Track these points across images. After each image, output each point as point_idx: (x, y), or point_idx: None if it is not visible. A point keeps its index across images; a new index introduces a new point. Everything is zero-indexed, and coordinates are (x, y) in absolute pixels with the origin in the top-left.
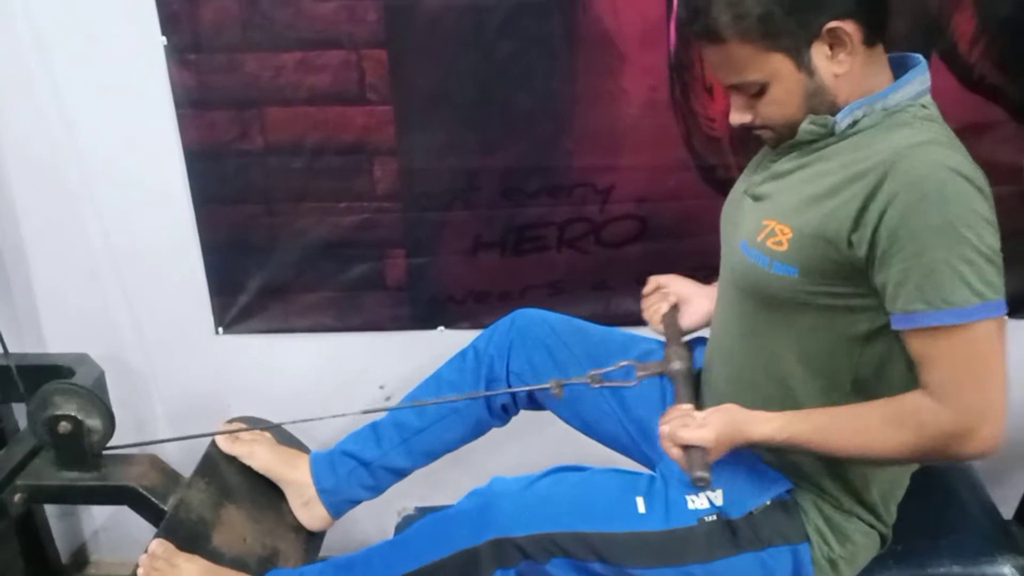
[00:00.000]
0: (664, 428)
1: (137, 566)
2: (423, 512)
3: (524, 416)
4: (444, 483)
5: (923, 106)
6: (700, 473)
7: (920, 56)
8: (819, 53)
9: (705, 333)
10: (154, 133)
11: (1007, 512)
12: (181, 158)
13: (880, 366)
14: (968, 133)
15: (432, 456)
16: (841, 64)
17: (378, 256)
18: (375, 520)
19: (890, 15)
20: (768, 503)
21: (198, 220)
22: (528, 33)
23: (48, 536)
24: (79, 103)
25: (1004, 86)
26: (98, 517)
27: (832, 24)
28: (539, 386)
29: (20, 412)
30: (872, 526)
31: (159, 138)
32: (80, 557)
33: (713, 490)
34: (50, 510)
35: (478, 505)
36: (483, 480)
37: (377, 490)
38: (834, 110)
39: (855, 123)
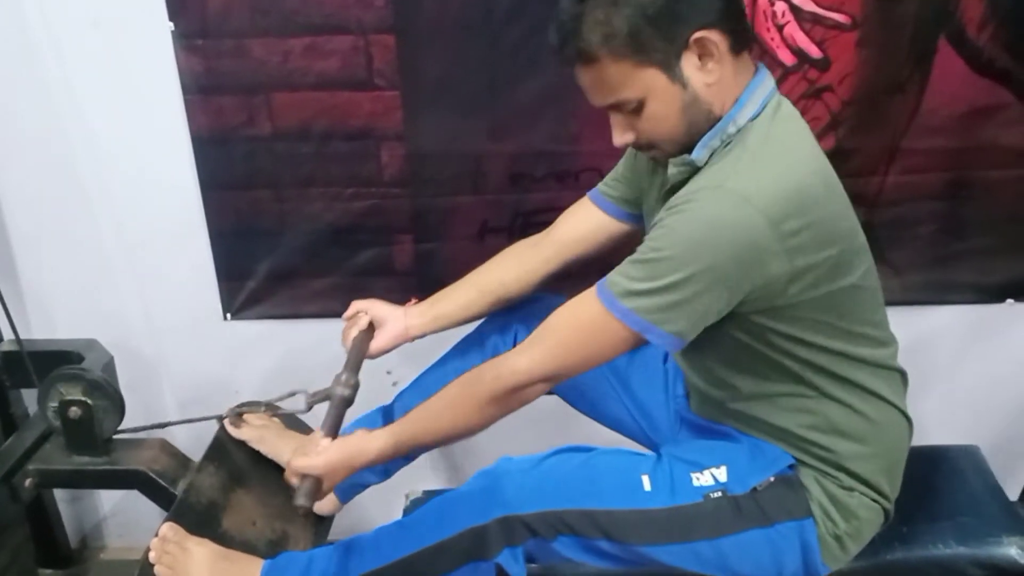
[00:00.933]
0: (288, 458)
1: (148, 550)
2: (431, 495)
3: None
4: (451, 467)
5: (765, 119)
6: (300, 501)
7: (753, 61)
8: (689, 64)
9: None
10: (162, 119)
11: (1013, 493)
12: (189, 144)
13: (787, 337)
14: (976, 116)
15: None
16: (711, 73)
17: (386, 241)
18: (383, 505)
19: (750, 24)
20: (772, 479)
21: (206, 206)
22: (536, 18)
23: (58, 521)
24: (87, 89)
25: (1012, 69)
26: (107, 502)
27: (698, 34)
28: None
29: (29, 398)
30: (875, 500)
31: (167, 124)
32: (89, 542)
33: (717, 467)
34: (59, 495)
35: (486, 484)
36: (491, 463)
37: (385, 474)
38: (711, 119)
39: (712, 154)
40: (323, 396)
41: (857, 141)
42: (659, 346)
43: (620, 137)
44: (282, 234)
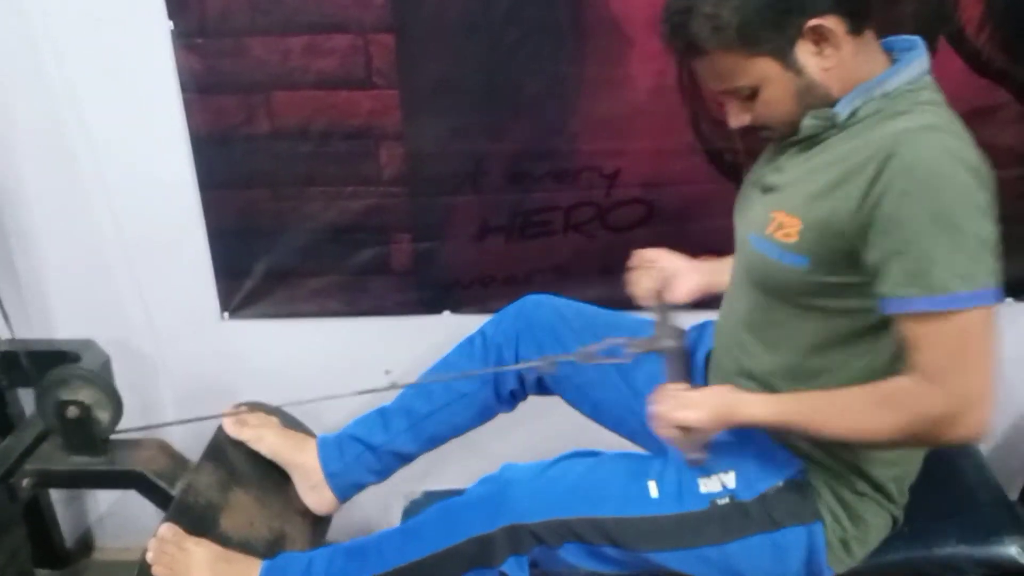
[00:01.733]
0: (657, 408)
1: (146, 550)
2: (431, 497)
3: (531, 401)
4: (451, 468)
5: (922, 89)
6: (695, 455)
7: (917, 39)
8: (804, 51)
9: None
10: (160, 117)
11: (1013, 493)
12: (187, 142)
13: (893, 358)
14: (975, 116)
15: (439, 441)
16: (828, 59)
17: (385, 240)
18: (381, 505)
19: (873, 1)
20: (781, 484)
21: (204, 204)
22: (535, 18)
23: (54, 522)
24: (86, 87)
25: (1011, 69)
26: (103, 503)
27: (813, 22)
28: (530, 364)
29: (26, 398)
30: (884, 507)
31: (165, 122)
32: (85, 543)
33: (726, 472)
34: (56, 496)
35: (491, 492)
36: (491, 465)
37: (384, 474)
38: (829, 102)
39: (855, 112)
40: (647, 347)
41: None
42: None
43: (736, 119)
44: (280, 233)
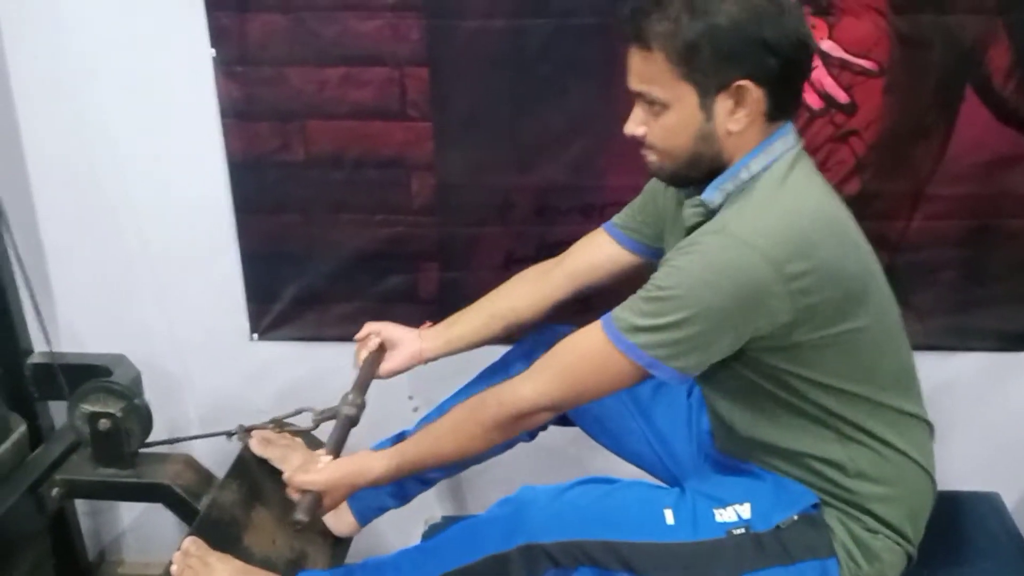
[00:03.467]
0: (287, 474)
1: (170, 563)
2: (449, 522)
3: (551, 431)
4: (470, 494)
5: (770, 172)
6: (299, 516)
7: (788, 121)
8: (722, 104)
9: None
10: (199, 142)
11: None
12: (224, 167)
13: (801, 379)
14: (1000, 165)
15: (459, 467)
16: (737, 123)
17: (412, 268)
18: (401, 529)
19: (799, 103)
20: (795, 517)
21: (238, 228)
22: (567, 56)
23: (78, 534)
24: (126, 110)
25: None
26: (125, 518)
27: (743, 82)
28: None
29: (56, 411)
30: (898, 544)
31: (203, 147)
32: (107, 556)
33: (741, 503)
34: (80, 509)
35: (509, 512)
36: (509, 491)
37: (404, 499)
38: (716, 162)
39: (727, 197)
40: (330, 415)
41: (881, 186)
42: (664, 380)
43: (632, 127)
44: (311, 258)
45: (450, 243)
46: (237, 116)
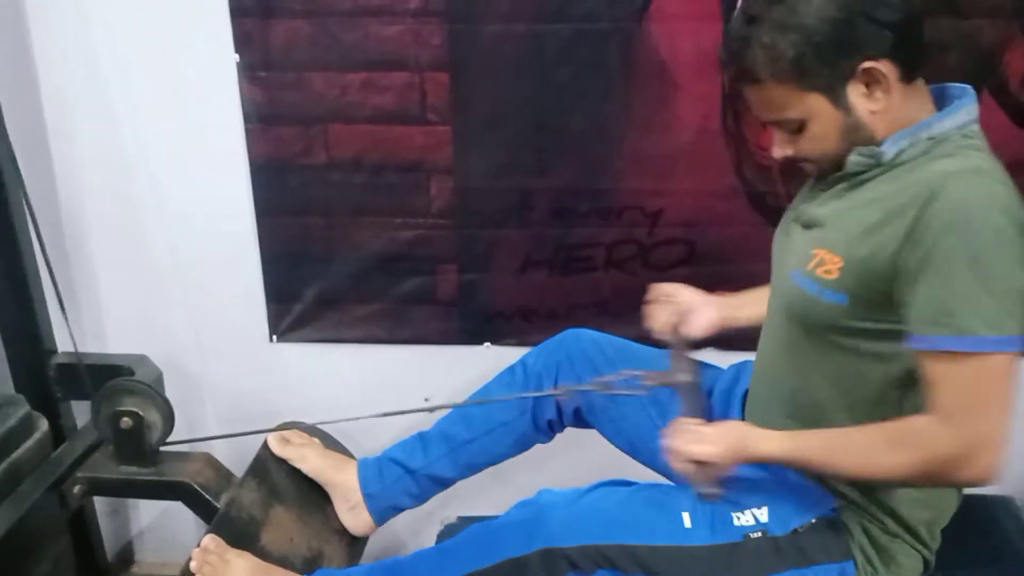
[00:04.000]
0: (671, 442)
1: (190, 559)
2: (465, 522)
3: (568, 433)
4: (487, 495)
5: (968, 135)
6: (709, 489)
7: (967, 87)
8: (855, 92)
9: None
10: (222, 145)
11: None
12: (247, 170)
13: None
14: (1017, 169)
15: (476, 468)
16: (877, 102)
17: (431, 271)
18: (417, 529)
19: (926, 50)
20: (813, 521)
21: (259, 230)
22: (585, 60)
23: (97, 533)
24: (152, 114)
25: None
26: (144, 518)
27: (866, 64)
28: (546, 392)
29: (78, 411)
30: (916, 549)
31: (227, 150)
32: (125, 556)
33: (759, 507)
34: (99, 508)
35: (528, 515)
36: (526, 494)
37: (421, 498)
38: (873, 143)
39: (900, 153)
40: (661, 380)
41: None
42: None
43: (779, 151)
44: (331, 260)
45: (469, 246)
46: (260, 120)
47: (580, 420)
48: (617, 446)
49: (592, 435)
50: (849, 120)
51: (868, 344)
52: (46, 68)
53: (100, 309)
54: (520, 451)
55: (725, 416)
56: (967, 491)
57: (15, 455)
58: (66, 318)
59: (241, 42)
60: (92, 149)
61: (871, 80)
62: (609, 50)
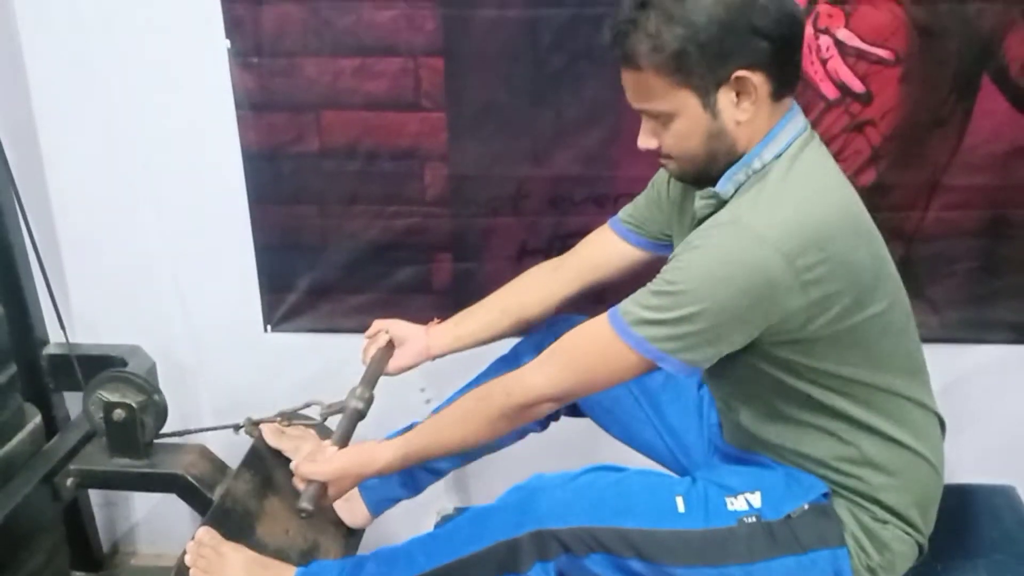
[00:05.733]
0: (294, 463)
1: (184, 552)
2: (462, 512)
3: (563, 422)
4: (482, 485)
5: (782, 160)
6: (303, 504)
7: (792, 101)
8: (725, 98)
9: None
10: (214, 133)
11: None
12: (239, 158)
13: (813, 369)
14: (1017, 155)
15: (471, 458)
16: (744, 112)
17: (426, 260)
18: (413, 520)
19: (800, 72)
20: (806, 507)
21: (252, 219)
22: (580, 45)
23: (92, 526)
24: (142, 101)
25: None
26: (139, 510)
27: (741, 73)
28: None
29: (71, 402)
30: (908, 534)
31: (218, 138)
32: (120, 547)
33: (752, 492)
34: (94, 500)
35: (520, 498)
36: (521, 481)
37: (416, 489)
38: (733, 155)
39: (739, 188)
40: (337, 408)
41: (898, 176)
42: (673, 373)
43: (644, 141)
44: (325, 249)
45: (464, 234)
46: (252, 107)
47: (575, 410)
48: (612, 434)
49: (586, 423)
50: (714, 125)
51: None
52: (34, 56)
53: (92, 300)
54: (515, 440)
55: (711, 409)
56: (968, 480)
57: (7, 447)
58: (56, 308)
59: (232, 27)
60: (82, 137)
61: (742, 89)
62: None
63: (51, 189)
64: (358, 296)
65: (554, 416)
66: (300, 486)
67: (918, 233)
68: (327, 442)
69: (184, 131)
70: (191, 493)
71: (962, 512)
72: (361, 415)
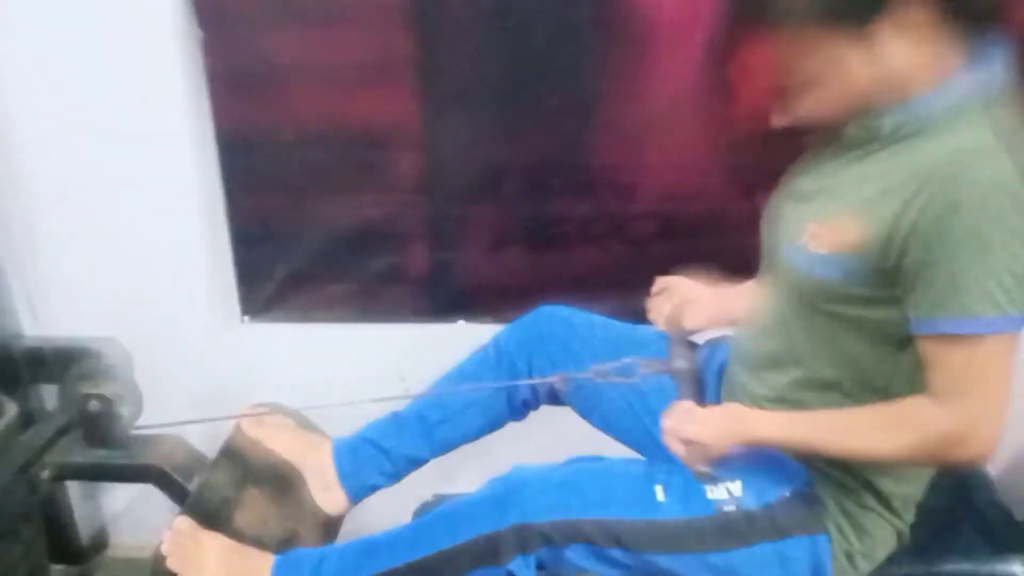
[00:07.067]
0: (668, 423)
1: (162, 542)
2: (442, 499)
3: (542, 411)
4: (462, 472)
5: (975, 108)
6: (701, 468)
7: (995, 49)
8: (886, 37)
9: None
10: (185, 120)
11: (1020, 514)
12: (213, 146)
13: (913, 373)
14: None
15: (450, 446)
16: (909, 50)
17: (402, 248)
18: (392, 507)
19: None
20: (788, 495)
21: (228, 208)
22: (559, 26)
23: (71, 518)
24: (111, 87)
25: None
26: (119, 501)
27: (901, 7)
28: (543, 379)
29: (47, 395)
30: (890, 522)
31: (190, 125)
32: (100, 540)
33: (733, 480)
34: (72, 493)
35: (500, 491)
36: (500, 470)
37: (396, 477)
38: (903, 98)
39: (900, 127)
40: (659, 368)
41: None
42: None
43: (784, 115)
44: (300, 238)
45: (440, 222)
46: (224, 93)
47: (554, 398)
48: (591, 423)
49: (566, 411)
50: (876, 70)
51: (865, 311)
52: (2, 45)
53: (67, 291)
54: (494, 429)
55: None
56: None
57: None
58: (30, 301)
59: (201, 9)
60: (54, 128)
61: (906, 25)
62: (583, 14)
63: (23, 181)
64: (335, 286)
65: (534, 405)
66: (678, 448)
67: None
68: (689, 403)
69: (154, 118)
70: (168, 484)
71: (936, 493)
72: (696, 373)
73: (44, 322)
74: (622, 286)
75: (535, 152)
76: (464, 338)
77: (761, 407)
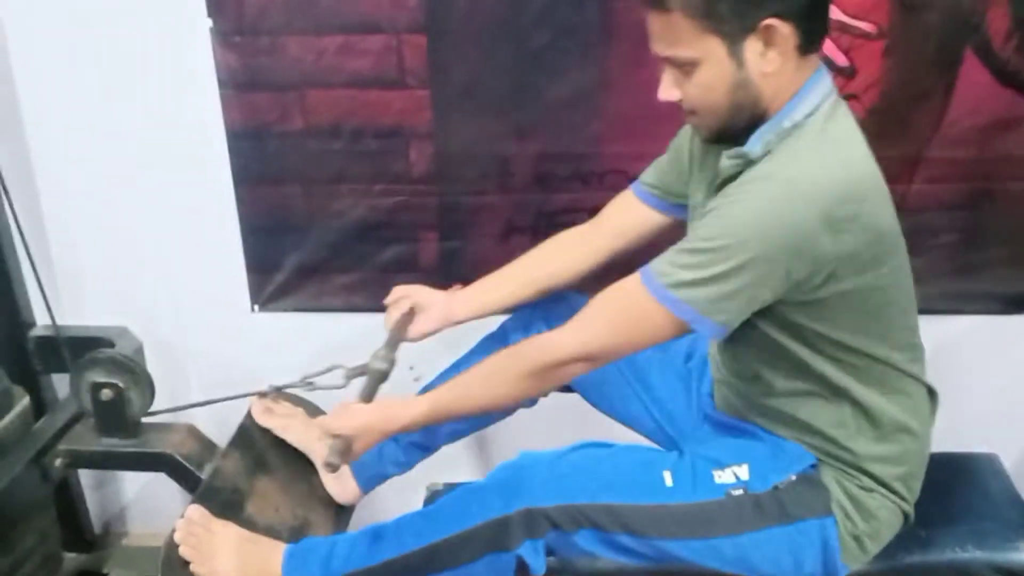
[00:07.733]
0: (323, 418)
1: (174, 530)
2: (452, 488)
3: (552, 397)
4: (471, 462)
5: (815, 120)
6: (331, 459)
7: (819, 61)
8: (752, 47)
9: None
10: (197, 112)
11: None
12: (223, 138)
13: (820, 335)
14: (999, 127)
15: (460, 434)
16: (770, 63)
17: (412, 238)
18: (403, 497)
19: (827, 29)
20: (793, 478)
21: (238, 199)
22: (564, 21)
23: (83, 507)
24: (125, 81)
25: None
26: (131, 490)
27: (770, 21)
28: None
29: (59, 384)
30: (894, 503)
31: (202, 117)
32: (112, 528)
33: (739, 465)
34: (85, 481)
35: (508, 476)
36: (509, 457)
37: (406, 466)
38: (757, 109)
39: (767, 147)
40: (360, 371)
41: (881, 149)
42: (703, 335)
43: (665, 92)
44: (311, 229)
45: (449, 212)
46: (235, 86)
47: (565, 386)
48: (600, 409)
49: (574, 399)
50: (739, 75)
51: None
52: (16, 37)
53: (79, 281)
54: (504, 416)
55: (699, 381)
56: (951, 449)
57: None
58: (42, 290)
59: (214, 6)
60: (66, 118)
61: (769, 39)
62: (587, 10)
63: (36, 171)
64: (344, 276)
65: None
66: (326, 442)
67: (901, 206)
68: (353, 400)
69: (167, 110)
70: (180, 472)
71: (947, 480)
72: (384, 376)
73: (56, 312)
74: (628, 273)
75: (542, 143)
76: (472, 326)
77: (762, 406)
